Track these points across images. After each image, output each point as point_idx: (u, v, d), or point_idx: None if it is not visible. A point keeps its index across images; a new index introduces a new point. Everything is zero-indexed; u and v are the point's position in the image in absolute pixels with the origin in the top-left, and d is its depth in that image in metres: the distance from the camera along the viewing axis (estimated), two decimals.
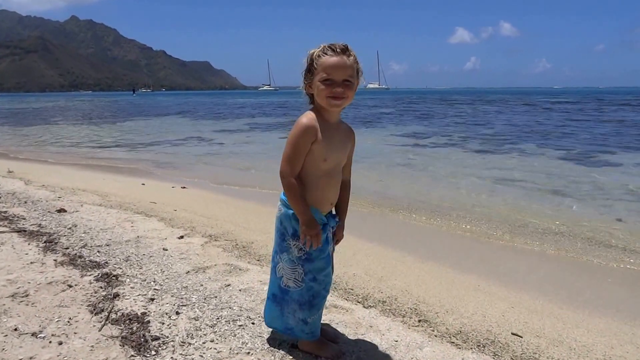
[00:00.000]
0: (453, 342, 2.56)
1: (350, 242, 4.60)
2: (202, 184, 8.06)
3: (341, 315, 2.85)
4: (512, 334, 2.70)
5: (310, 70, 2.14)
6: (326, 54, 2.08)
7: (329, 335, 2.50)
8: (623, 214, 6.33)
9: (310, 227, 2.12)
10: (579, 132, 17.60)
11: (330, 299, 3.11)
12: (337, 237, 2.37)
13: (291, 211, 2.20)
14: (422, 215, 6.21)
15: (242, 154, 12.81)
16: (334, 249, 2.40)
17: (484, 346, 2.54)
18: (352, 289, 3.31)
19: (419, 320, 2.83)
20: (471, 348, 2.50)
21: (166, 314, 2.73)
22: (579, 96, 74.10)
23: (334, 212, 2.37)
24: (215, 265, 3.61)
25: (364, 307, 3.01)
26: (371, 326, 2.71)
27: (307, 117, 2.15)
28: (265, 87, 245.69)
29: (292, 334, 2.33)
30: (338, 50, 2.08)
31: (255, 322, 2.67)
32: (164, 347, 2.37)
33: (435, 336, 2.63)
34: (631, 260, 4.50)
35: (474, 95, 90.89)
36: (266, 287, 3.21)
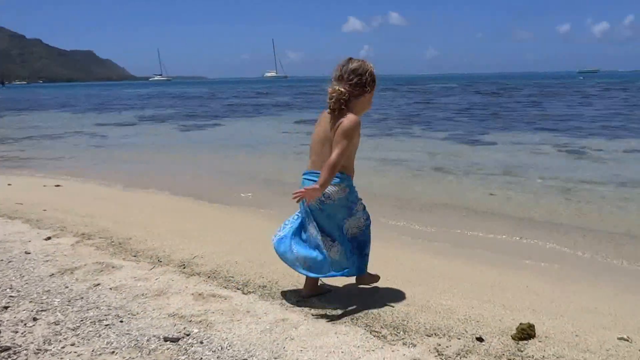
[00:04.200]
0: (329, 318, 2.60)
1: (237, 231, 4.54)
2: (80, 180, 7.45)
3: (218, 304, 2.78)
4: (386, 304, 2.81)
5: (368, 84, 2.65)
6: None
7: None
8: (495, 186, 6.90)
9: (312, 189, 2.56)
10: (461, 116, 18.94)
11: (209, 288, 3.04)
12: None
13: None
14: None
15: (129, 147, 12.10)
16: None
17: (357, 319, 2.61)
18: (232, 277, 3.25)
19: (298, 301, 2.84)
20: (345, 322, 2.56)
21: (21, 321, 2.48)
22: (462, 81, 79.85)
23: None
24: (84, 265, 3.35)
25: (243, 293, 2.97)
26: (248, 311, 2.67)
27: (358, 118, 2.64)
28: (157, 78, 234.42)
29: (357, 272, 2.85)
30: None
31: (123, 320, 2.51)
32: (15, 357, 2.14)
33: (312, 314, 2.66)
34: (501, 229, 4.94)
35: None
36: (140, 283, 3.08)
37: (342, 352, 2.25)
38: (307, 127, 15.97)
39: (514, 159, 9.23)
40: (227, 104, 30.98)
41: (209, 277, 3.26)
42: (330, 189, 2.65)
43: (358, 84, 2.64)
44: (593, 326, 2.63)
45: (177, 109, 27.38)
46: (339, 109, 2.63)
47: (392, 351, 2.26)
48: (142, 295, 2.87)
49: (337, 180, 2.65)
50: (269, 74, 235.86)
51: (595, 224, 5.09)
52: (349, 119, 2.59)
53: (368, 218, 2.89)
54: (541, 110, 20.50)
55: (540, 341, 2.40)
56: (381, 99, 31.63)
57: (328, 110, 2.70)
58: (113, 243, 3.94)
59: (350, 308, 2.75)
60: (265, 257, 3.72)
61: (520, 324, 2.49)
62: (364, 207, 2.87)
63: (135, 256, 3.64)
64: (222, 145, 12.02)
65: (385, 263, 3.66)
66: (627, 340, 2.46)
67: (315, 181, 2.62)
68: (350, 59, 2.71)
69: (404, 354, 2.23)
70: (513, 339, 2.41)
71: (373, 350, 2.27)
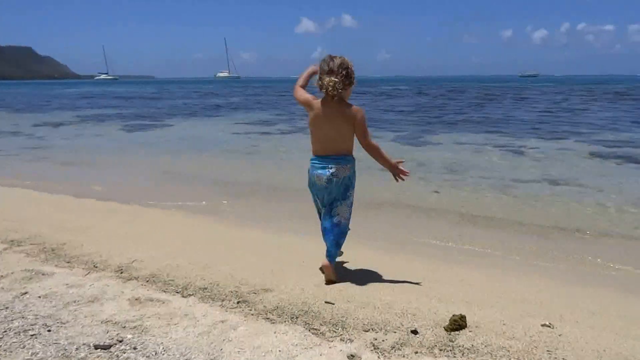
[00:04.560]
0: (268, 318, 2.61)
1: (181, 233, 4.44)
2: (12, 183, 7.05)
3: (155, 308, 2.72)
4: (326, 302, 2.84)
5: (353, 76, 3.03)
6: None
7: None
8: (438, 185, 7.12)
9: (397, 166, 3.12)
10: (409, 117, 19.37)
11: (146, 292, 2.96)
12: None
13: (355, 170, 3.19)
14: (262, 198, 6.29)
15: (68, 148, 11.57)
16: None
17: (297, 317, 2.62)
18: (172, 280, 3.18)
19: (238, 302, 2.82)
20: (285, 321, 2.57)
21: None
22: (412, 84, 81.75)
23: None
24: (11, 273, 3.19)
25: (183, 296, 2.91)
26: (186, 315, 2.63)
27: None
28: (103, 76, 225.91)
29: (328, 255, 3.19)
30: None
31: (52, 329, 2.41)
32: None
33: (252, 315, 2.65)
34: (442, 225, 5.09)
35: None
36: (72, 290, 2.97)
37: (280, 350, 2.25)
38: (257, 127, 15.86)
39: (457, 158, 9.54)
40: (174, 104, 30.27)
41: (147, 281, 3.19)
42: (337, 167, 3.10)
43: (346, 76, 3.01)
44: (520, 315, 2.76)
45: (121, 109, 26.49)
46: (338, 96, 3.02)
47: (330, 347, 2.29)
48: (74, 302, 2.77)
49: (343, 161, 3.11)
50: (221, 74, 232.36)
51: (529, 218, 5.35)
52: (359, 111, 3.07)
53: (351, 212, 3.28)
54: (484, 112, 21.29)
55: (470, 331, 2.50)
56: None
57: (322, 99, 3.07)
58: (45, 249, 3.78)
59: (291, 307, 2.76)
60: (209, 259, 3.68)
61: (453, 315, 2.58)
62: (352, 203, 3.28)
63: (69, 262, 3.50)
64: (168, 147, 11.74)
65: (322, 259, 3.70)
66: (550, 327, 2.61)
67: (328, 166, 3.09)
68: (331, 55, 3.04)
69: (341, 350, 2.27)
70: (446, 330, 2.50)
71: (311, 348, 2.29)
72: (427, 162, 9.14)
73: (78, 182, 7.40)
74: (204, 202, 6.07)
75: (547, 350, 2.35)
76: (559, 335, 2.51)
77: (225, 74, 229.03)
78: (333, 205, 3.19)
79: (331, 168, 3.08)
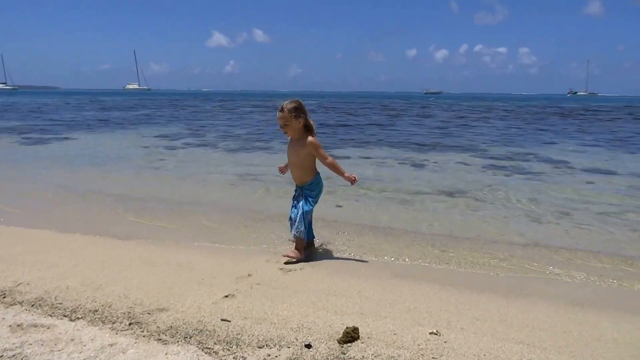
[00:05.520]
0: (161, 339, 2.55)
1: (73, 253, 4.19)
2: None
3: (39, 334, 2.56)
4: (222, 320, 2.83)
5: None
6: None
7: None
8: (342, 198, 7.34)
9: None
10: (317, 132, 19.76)
11: (30, 317, 2.79)
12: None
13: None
14: (165, 214, 6.09)
15: None
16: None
17: (190, 337, 2.59)
18: (60, 303, 3.01)
19: (130, 324, 2.73)
20: (178, 341, 2.53)
21: None
22: (322, 100, 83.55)
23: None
24: None
25: (70, 320, 2.77)
26: (72, 339, 2.50)
27: None
28: (0, 86, 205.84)
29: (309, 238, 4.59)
30: (278, 109, 4.23)
31: None
32: None
33: (144, 336, 2.58)
34: (342, 238, 5.26)
35: (235, 96, 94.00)
36: None
37: None
38: (162, 141, 15.36)
39: (361, 172, 9.88)
40: (73, 117, 28.32)
41: (32, 305, 2.99)
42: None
43: None
44: (410, 324, 2.93)
45: (15, 121, 24.37)
46: None
47: None
48: None
49: None
50: (130, 86, 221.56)
51: (425, 229, 5.70)
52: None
53: None
54: (389, 128, 22.28)
55: (362, 342, 2.61)
56: (243, 114, 31.76)
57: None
58: None
59: (185, 326, 2.72)
60: (103, 279, 3.51)
61: (346, 327, 2.69)
62: None
63: None
64: (63, 163, 10.95)
65: (228, 275, 3.69)
66: (437, 334, 2.80)
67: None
68: (300, 101, 4.30)
69: None
70: (339, 342, 2.60)
71: None
72: (332, 176, 9.34)
73: None
74: (101, 220, 5.77)
75: (433, 358, 2.51)
76: (445, 342, 2.70)
77: (135, 86, 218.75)
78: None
79: None
